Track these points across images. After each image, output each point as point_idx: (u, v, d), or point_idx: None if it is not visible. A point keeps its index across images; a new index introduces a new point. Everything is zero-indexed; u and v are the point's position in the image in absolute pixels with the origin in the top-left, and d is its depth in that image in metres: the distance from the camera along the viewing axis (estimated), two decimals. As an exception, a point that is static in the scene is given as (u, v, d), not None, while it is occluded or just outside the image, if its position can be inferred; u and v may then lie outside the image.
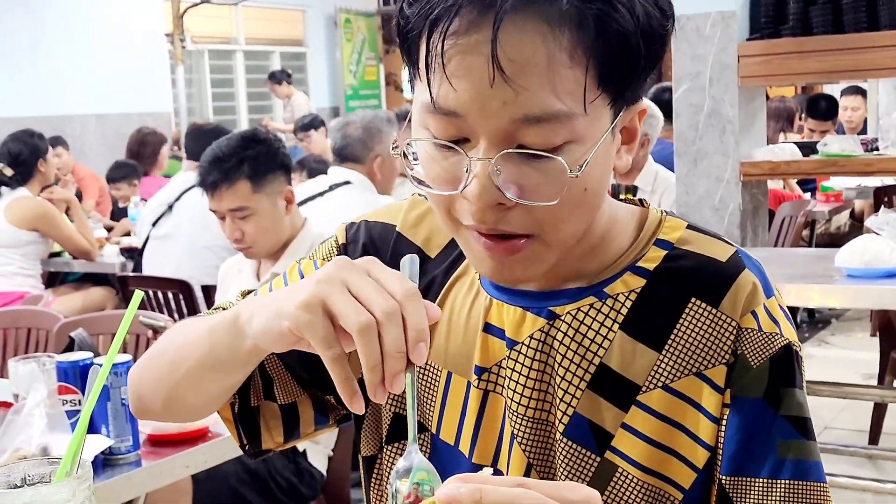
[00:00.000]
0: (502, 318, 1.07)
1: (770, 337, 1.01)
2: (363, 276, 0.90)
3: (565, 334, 1.04)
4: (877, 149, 4.21)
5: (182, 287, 3.99)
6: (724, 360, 1.01)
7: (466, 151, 0.93)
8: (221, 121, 9.76)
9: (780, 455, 1.01)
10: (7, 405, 2.14)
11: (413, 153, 0.98)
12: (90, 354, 2.09)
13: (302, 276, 1.13)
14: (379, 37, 13.60)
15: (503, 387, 1.07)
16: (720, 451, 1.02)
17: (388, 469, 1.14)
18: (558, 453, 1.05)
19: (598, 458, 1.03)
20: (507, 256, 0.97)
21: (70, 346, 2.40)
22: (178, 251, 4.38)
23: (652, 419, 1.02)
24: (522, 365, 1.05)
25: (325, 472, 2.87)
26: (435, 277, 1.12)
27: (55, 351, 2.80)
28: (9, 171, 5.01)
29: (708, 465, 1.02)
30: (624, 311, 1.03)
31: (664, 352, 1.02)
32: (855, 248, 3.07)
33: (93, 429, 1.95)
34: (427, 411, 1.11)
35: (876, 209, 4.42)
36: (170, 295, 4.03)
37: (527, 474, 1.05)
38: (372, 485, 1.17)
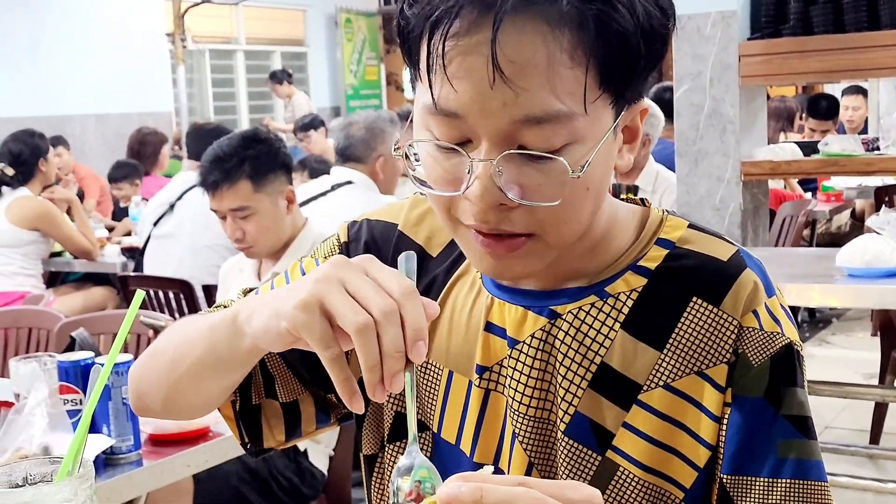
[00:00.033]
0: (504, 317, 1.07)
1: (771, 336, 1.01)
2: (361, 274, 0.90)
3: (566, 333, 1.04)
4: (878, 148, 4.21)
5: (183, 287, 3.99)
6: (725, 359, 1.01)
7: (468, 152, 0.93)
8: (222, 120, 9.77)
9: (781, 454, 1.01)
10: (8, 405, 2.14)
11: (414, 154, 0.99)
12: (91, 354, 2.09)
13: (304, 274, 1.13)
14: (380, 36, 13.60)
15: (504, 386, 1.07)
16: (721, 451, 1.02)
17: (389, 468, 1.14)
18: (559, 452, 1.05)
19: (600, 457, 1.04)
20: (507, 254, 0.97)
21: (71, 346, 2.40)
22: (179, 250, 4.38)
23: (653, 418, 1.02)
24: (524, 364, 1.05)
25: (326, 472, 2.87)
26: (436, 276, 1.12)
27: (56, 351, 2.80)
28: (10, 171, 5.01)
29: (709, 465, 1.02)
30: (625, 310, 1.03)
31: (665, 351, 1.02)
32: (856, 247, 3.07)
33: (94, 428, 1.95)
34: (428, 410, 1.12)
35: (877, 209, 4.42)
36: (171, 295, 4.03)
37: (528, 473, 1.05)
38: (373, 484, 1.17)
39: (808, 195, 6.34)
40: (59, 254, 5.31)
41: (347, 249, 1.17)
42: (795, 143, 4.71)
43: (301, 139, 7.92)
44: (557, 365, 1.04)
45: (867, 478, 3.62)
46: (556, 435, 1.05)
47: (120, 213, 6.62)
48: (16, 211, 4.96)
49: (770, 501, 1.00)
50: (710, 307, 1.02)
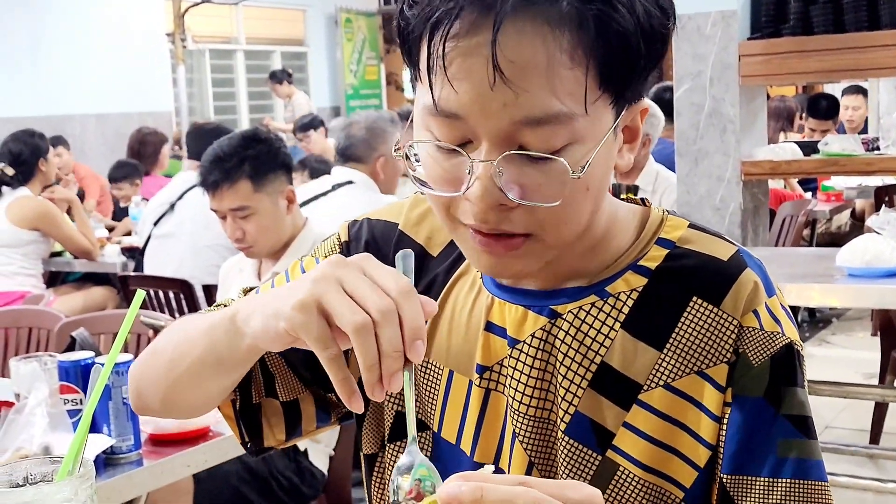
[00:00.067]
0: (504, 316, 1.07)
1: (771, 336, 1.01)
2: (358, 274, 0.89)
3: (567, 333, 1.04)
4: (878, 148, 4.21)
5: (183, 287, 3.99)
6: (725, 359, 1.01)
7: (468, 153, 0.93)
8: (222, 120, 9.77)
9: (782, 454, 1.01)
10: (8, 404, 2.14)
11: (415, 154, 0.99)
12: (91, 354, 2.09)
13: (304, 273, 1.13)
14: (380, 36, 13.60)
15: (505, 385, 1.07)
16: (721, 450, 1.02)
17: (389, 467, 1.14)
18: (560, 452, 1.05)
19: (600, 457, 1.04)
20: (505, 252, 0.97)
21: (71, 346, 2.40)
22: (180, 250, 4.38)
23: (653, 418, 1.02)
24: (524, 364, 1.05)
25: (326, 472, 2.87)
26: (437, 276, 1.12)
27: (56, 350, 2.80)
28: (10, 171, 5.01)
29: (709, 464, 1.02)
30: (625, 309, 1.03)
31: (665, 351, 1.02)
32: (856, 247, 3.07)
33: (94, 428, 1.95)
34: (428, 409, 1.12)
35: (877, 208, 4.42)
36: (171, 294, 4.03)
37: (528, 473, 1.05)
38: (373, 483, 1.17)
39: (808, 195, 6.34)
40: (59, 254, 5.31)
41: (348, 248, 1.17)
42: (795, 142, 4.71)
43: (300, 139, 7.91)
44: (558, 364, 1.04)
45: (867, 478, 3.62)
46: (556, 434, 1.05)
47: (120, 213, 6.62)
48: (16, 211, 4.96)
49: (770, 501, 1.00)
50: (710, 307, 1.02)
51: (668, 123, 4.43)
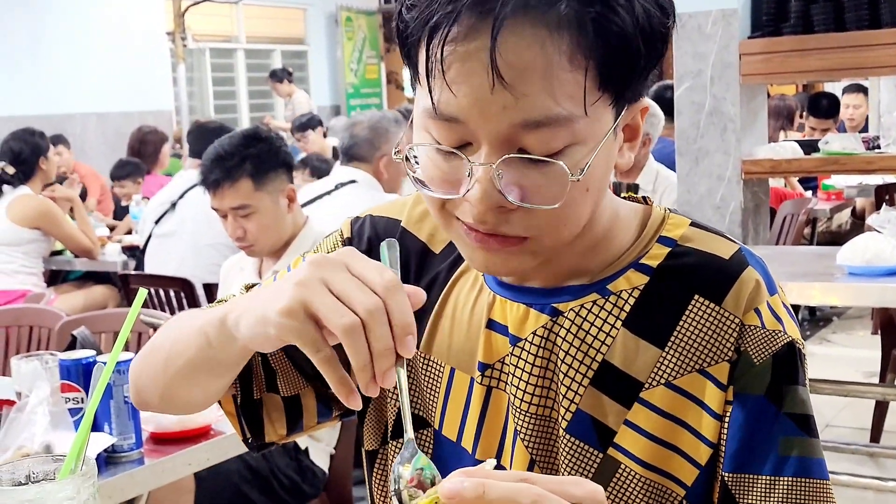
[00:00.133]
0: (505, 314, 1.07)
1: (773, 334, 1.01)
2: (342, 272, 0.89)
3: (568, 331, 1.04)
4: (878, 147, 4.21)
5: (184, 285, 4.00)
6: (727, 357, 1.01)
7: (468, 156, 0.93)
8: (222, 119, 9.78)
9: (783, 452, 1.01)
10: (10, 403, 2.14)
11: (415, 156, 0.99)
12: (93, 352, 2.10)
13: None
14: (380, 35, 13.60)
15: (506, 383, 1.07)
16: (723, 448, 1.02)
17: (391, 464, 1.14)
18: (561, 449, 1.05)
19: (601, 455, 1.04)
20: (501, 248, 0.97)
21: (72, 345, 2.40)
22: (181, 249, 4.38)
23: (654, 416, 1.02)
24: (525, 361, 1.05)
25: (327, 470, 2.87)
26: (439, 273, 1.12)
27: (57, 349, 2.81)
28: (10, 170, 5.02)
29: (710, 462, 1.02)
30: (627, 308, 1.04)
31: (667, 349, 1.02)
32: (856, 246, 3.07)
33: (96, 426, 1.95)
34: (430, 407, 1.12)
35: (877, 207, 4.43)
36: (171, 293, 4.04)
37: (529, 470, 1.05)
38: (375, 479, 1.17)
39: (809, 193, 6.34)
40: (59, 252, 5.31)
41: (350, 245, 1.17)
42: (796, 141, 4.72)
43: (298, 139, 7.88)
44: (559, 362, 1.04)
45: (868, 476, 3.62)
46: (557, 432, 1.05)
47: (122, 212, 6.62)
48: (17, 209, 4.96)
49: (772, 499, 1.00)
50: (711, 305, 1.02)
51: (669, 122, 4.44)
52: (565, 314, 1.04)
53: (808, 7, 3.93)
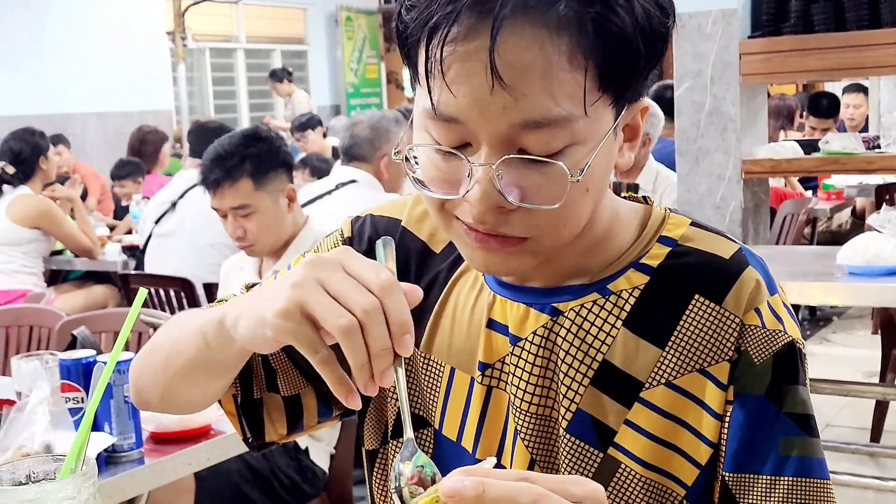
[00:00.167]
0: (506, 314, 1.07)
1: (773, 334, 1.01)
2: (338, 272, 0.89)
3: (568, 331, 1.04)
4: (878, 146, 4.21)
5: (184, 285, 4.00)
6: (727, 357, 1.01)
7: (468, 157, 0.93)
8: (222, 119, 9.78)
9: (784, 452, 1.01)
10: (10, 403, 2.14)
11: (414, 157, 0.99)
12: (93, 352, 2.10)
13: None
14: (380, 34, 13.60)
15: (507, 383, 1.07)
16: (723, 448, 1.02)
17: (391, 463, 1.14)
18: (561, 449, 1.05)
19: (601, 454, 1.04)
20: (501, 248, 0.97)
21: (72, 344, 2.40)
22: (181, 248, 4.39)
23: (655, 416, 1.02)
24: (526, 361, 1.05)
25: (327, 470, 2.87)
26: (439, 273, 1.12)
27: (57, 349, 2.81)
28: (10, 169, 5.02)
29: (711, 462, 1.02)
30: (627, 307, 1.04)
31: (667, 348, 1.02)
32: (856, 245, 3.08)
33: (96, 426, 1.95)
34: (430, 406, 1.12)
35: (877, 207, 4.43)
36: (171, 293, 4.04)
37: (530, 470, 1.05)
38: (375, 479, 1.17)
39: (809, 193, 6.34)
40: (60, 252, 5.31)
41: (351, 244, 1.17)
42: (796, 141, 4.72)
43: (298, 139, 7.87)
44: (559, 362, 1.04)
45: (868, 476, 3.62)
46: (557, 432, 1.05)
47: (121, 212, 6.62)
48: (17, 209, 4.96)
49: (772, 499, 1.00)
50: (712, 305, 1.02)
51: (669, 122, 4.44)
52: (565, 314, 1.04)
53: (809, 7, 3.93)
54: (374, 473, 1.17)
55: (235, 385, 1.13)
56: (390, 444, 1.15)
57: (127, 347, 2.41)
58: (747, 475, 1.01)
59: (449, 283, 1.12)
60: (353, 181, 3.92)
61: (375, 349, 0.86)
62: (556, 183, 0.92)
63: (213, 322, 1.00)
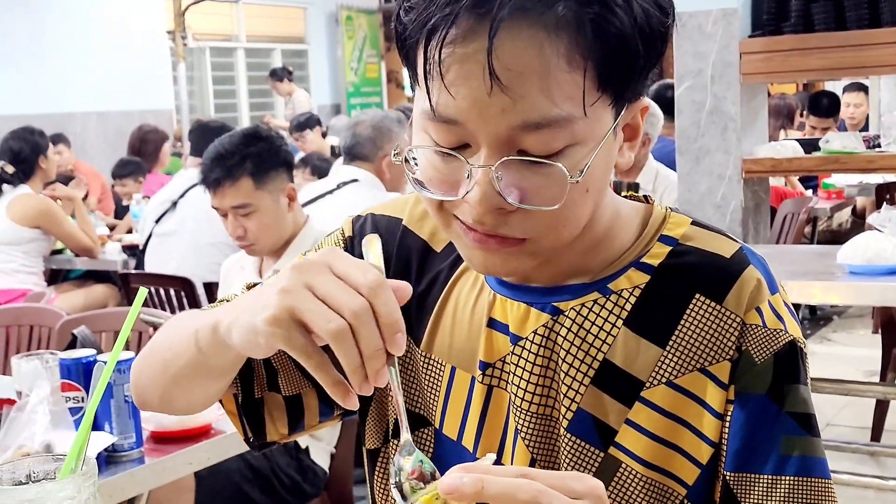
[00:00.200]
0: (506, 313, 1.07)
1: (774, 333, 1.01)
2: (326, 275, 0.88)
3: (569, 330, 1.04)
4: (879, 146, 4.21)
5: (184, 285, 4.00)
6: (728, 357, 1.01)
7: (467, 158, 0.93)
8: (222, 118, 9.77)
9: (785, 451, 1.00)
10: (10, 402, 2.14)
11: (414, 158, 0.98)
12: (93, 352, 2.09)
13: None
14: (380, 34, 13.60)
15: (507, 382, 1.07)
16: (724, 448, 1.02)
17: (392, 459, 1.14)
18: (562, 448, 1.05)
19: (602, 454, 1.04)
20: (500, 248, 0.96)
21: (73, 344, 2.40)
22: (181, 248, 4.39)
23: (656, 415, 1.02)
24: (526, 360, 1.05)
25: (327, 469, 2.87)
26: (440, 272, 1.12)
27: (57, 348, 2.81)
28: (10, 169, 5.02)
29: (712, 462, 1.02)
30: (628, 307, 1.03)
31: (668, 348, 1.02)
32: (857, 244, 3.07)
33: (96, 426, 1.95)
34: (430, 406, 1.12)
35: (878, 206, 4.43)
36: (172, 292, 4.04)
37: (531, 469, 1.05)
38: (376, 478, 1.17)
39: (809, 192, 6.34)
40: (60, 251, 5.31)
41: (352, 244, 1.17)
42: (796, 140, 4.72)
43: (296, 139, 7.86)
44: (560, 361, 1.04)
45: (868, 475, 3.62)
46: (558, 431, 1.05)
47: (122, 211, 6.62)
48: (17, 208, 4.96)
49: (774, 498, 1.00)
50: (713, 304, 1.02)
51: (669, 121, 4.44)
52: (566, 313, 1.04)
53: (809, 6, 3.93)
54: (376, 472, 1.17)
55: (236, 384, 1.13)
56: (391, 443, 1.15)
57: (127, 347, 2.41)
58: (748, 475, 1.01)
59: (450, 283, 1.11)
60: (355, 180, 3.92)
61: (368, 351, 0.86)
62: (555, 184, 0.92)
63: (207, 328, 1.00)
